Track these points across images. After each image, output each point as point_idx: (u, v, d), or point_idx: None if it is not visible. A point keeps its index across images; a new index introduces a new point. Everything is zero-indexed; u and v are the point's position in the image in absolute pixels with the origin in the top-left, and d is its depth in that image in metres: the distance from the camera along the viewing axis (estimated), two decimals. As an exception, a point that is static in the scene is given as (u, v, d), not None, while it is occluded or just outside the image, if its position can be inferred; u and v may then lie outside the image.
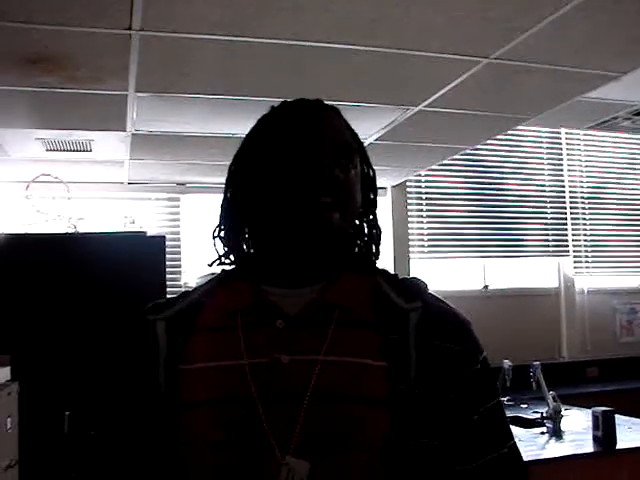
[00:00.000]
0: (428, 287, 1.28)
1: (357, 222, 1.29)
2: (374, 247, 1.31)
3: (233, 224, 1.29)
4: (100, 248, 4.19)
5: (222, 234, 1.29)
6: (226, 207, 1.30)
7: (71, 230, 4.69)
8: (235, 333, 1.17)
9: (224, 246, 1.29)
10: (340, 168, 1.19)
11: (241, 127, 4.22)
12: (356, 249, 1.31)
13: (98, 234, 4.41)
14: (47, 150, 4.33)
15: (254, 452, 1.09)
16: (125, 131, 3.96)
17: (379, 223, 1.32)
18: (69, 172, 4.84)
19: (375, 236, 1.31)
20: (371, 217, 1.32)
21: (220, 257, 1.30)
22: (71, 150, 4.34)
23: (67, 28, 2.57)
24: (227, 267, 1.31)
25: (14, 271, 4.04)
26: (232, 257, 1.29)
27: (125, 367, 1.28)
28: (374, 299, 1.21)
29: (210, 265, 1.31)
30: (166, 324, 1.24)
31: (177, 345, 1.21)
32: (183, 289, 5.46)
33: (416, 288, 1.25)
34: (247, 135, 1.31)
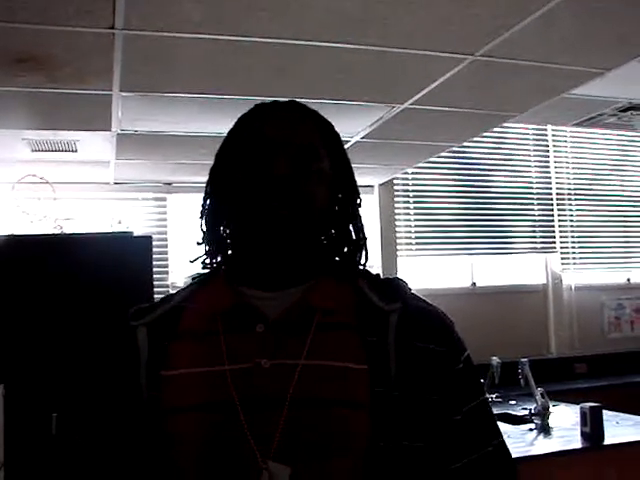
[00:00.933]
0: (409, 287, 1.28)
1: (335, 224, 1.28)
2: (357, 250, 1.29)
3: (211, 225, 1.29)
4: (87, 249, 4.17)
5: (203, 234, 1.30)
6: (205, 207, 1.31)
7: (57, 231, 4.67)
8: (216, 338, 1.17)
9: (205, 246, 1.29)
10: (294, 171, 1.18)
11: (227, 126, 4.20)
12: (340, 252, 1.29)
13: (84, 235, 4.39)
14: (33, 151, 4.30)
15: (236, 457, 1.09)
16: (110, 131, 3.94)
17: (361, 224, 1.31)
18: (55, 173, 4.82)
19: (358, 238, 1.30)
20: (351, 218, 1.30)
21: (201, 257, 1.30)
22: (57, 150, 4.32)
23: (50, 27, 2.55)
24: (207, 269, 1.31)
25: (-1, 272, 4.02)
26: (212, 258, 1.29)
27: (108, 373, 1.30)
28: (355, 302, 1.21)
29: (192, 262, 1.31)
30: (147, 329, 1.24)
31: (158, 351, 1.21)
32: (170, 289, 5.46)
33: (396, 289, 1.25)
34: (225, 137, 1.32)
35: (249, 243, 1.21)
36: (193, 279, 1.32)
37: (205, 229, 1.29)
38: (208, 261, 1.29)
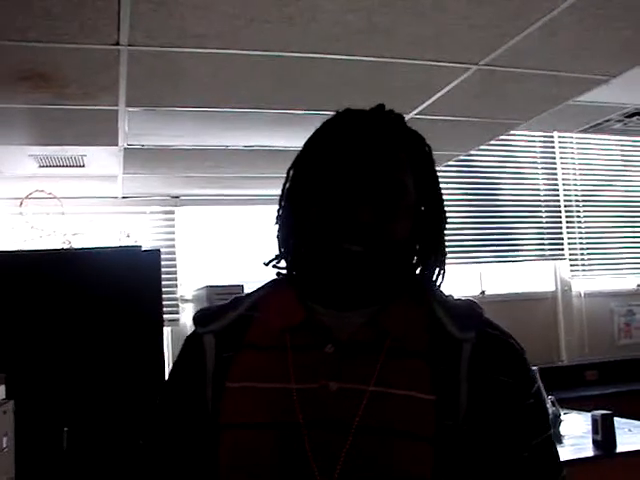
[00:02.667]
0: (482, 310, 1.22)
1: (416, 252, 1.23)
2: (434, 272, 1.24)
3: (285, 238, 1.26)
4: (95, 263, 4.18)
5: (278, 239, 1.26)
6: (281, 217, 1.27)
7: (66, 246, 4.69)
8: (284, 354, 1.15)
9: (280, 249, 1.26)
10: (379, 217, 1.13)
11: (233, 139, 4.25)
12: (417, 273, 1.24)
13: (93, 249, 4.40)
14: (40, 166, 4.32)
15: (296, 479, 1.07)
16: (117, 146, 3.96)
17: (443, 247, 1.25)
18: (63, 188, 4.84)
19: (437, 260, 1.24)
20: (433, 246, 1.24)
21: (275, 258, 1.26)
22: (64, 166, 4.34)
23: (56, 45, 2.57)
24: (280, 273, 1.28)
25: (8, 288, 4.03)
26: (285, 263, 1.26)
27: (174, 381, 1.27)
28: (427, 327, 1.16)
29: (266, 264, 1.27)
30: (215, 337, 1.22)
31: (225, 361, 1.19)
32: (179, 302, 5.46)
33: (471, 315, 1.20)
34: (309, 143, 1.27)
35: (323, 271, 1.17)
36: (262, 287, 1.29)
37: (279, 239, 1.26)
38: (280, 264, 1.26)
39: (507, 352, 1.17)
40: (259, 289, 1.28)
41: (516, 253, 6.56)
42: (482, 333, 1.16)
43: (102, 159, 4.26)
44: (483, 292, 6.39)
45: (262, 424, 1.10)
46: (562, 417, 4.35)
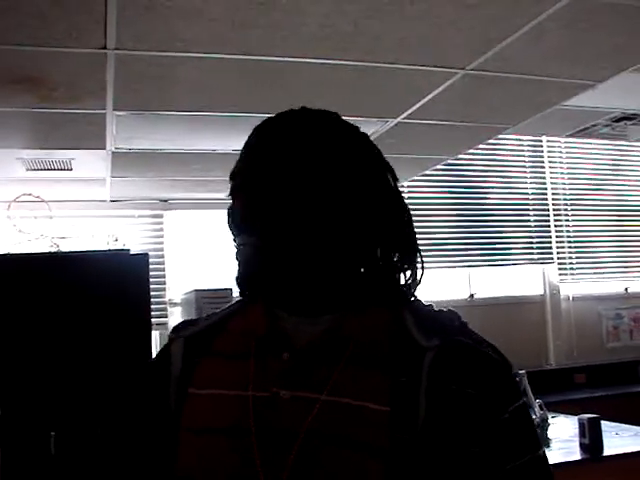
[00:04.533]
0: (462, 321, 1.16)
1: (375, 249, 1.17)
2: (405, 276, 1.18)
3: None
4: (83, 267, 4.17)
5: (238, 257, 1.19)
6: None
7: (54, 249, 4.66)
8: (246, 362, 1.13)
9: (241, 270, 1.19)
10: (310, 207, 1.10)
11: (222, 143, 4.24)
12: (388, 277, 1.18)
13: (81, 253, 4.38)
14: (28, 170, 4.31)
15: None
16: (105, 149, 3.95)
17: (410, 245, 1.20)
18: (50, 191, 4.83)
19: (408, 263, 1.18)
20: (394, 241, 1.18)
21: (237, 279, 1.20)
22: (52, 169, 4.33)
23: (43, 49, 2.56)
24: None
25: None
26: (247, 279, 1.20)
27: (140, 384, 1.27)
28: (393, 335, 1.10)
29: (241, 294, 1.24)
30: (184, 343, 1.23)
31: (190, 367, 1.19)
32: (168, 306, 5.45)
33: (441, 323, 1.13)
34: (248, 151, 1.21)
35: (274, 277, 1.14)
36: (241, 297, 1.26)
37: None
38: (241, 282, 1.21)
39: (478, 362, 1.08)
40: (235, 303, 1.27)
41: (505, 257, 6.59)
42: (449, 341, 1.08)
43: (90, 162, 4.25)
44: (472, 295, 6.41)
45: (217, 430, 1.09)
46: (550, 421, 4.37)
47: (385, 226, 1.17)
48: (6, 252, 4.47)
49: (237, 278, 1.17)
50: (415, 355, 1.06)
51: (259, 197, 1.12)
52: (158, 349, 1.31)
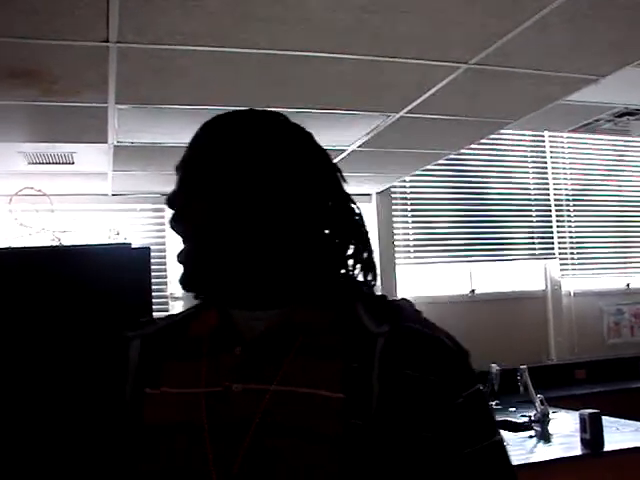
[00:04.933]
0: (415, 310, 1.16)
1: (323, 239, 1.17)
2: (357, 268, 1.18)
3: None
4: (84, 261, 4.16)
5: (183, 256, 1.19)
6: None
7: (55, 243, 4.66)
8: (200, 359, 1.14)
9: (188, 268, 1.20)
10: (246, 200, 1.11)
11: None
12: (339, 269, 1.18)
13: (82, 246, 4.38)
14: (29, 163, 4.30)
15: None
16: (107, 143, 3.94)
17: (359, 235, 1.21)
18: (52, 185, 4.82)
19: (357, 254, 1.19)
20: (338, 231, 1.19)
21: (184, 281, 1.19)
22: (53, 163, 4.32)
23: (44, 42, 2.56)
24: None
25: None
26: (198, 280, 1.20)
27: (96, 382, 1.28)
28: (344, 325, 1.10)
29: (196, 298, 1.24)
30: (141, 343, 1.23)
31: (147, 367, 1.19)
32: (170, 300, 5.46)
33: (391, 310, 1.13)
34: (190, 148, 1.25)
35: (220, 272, 1.14)
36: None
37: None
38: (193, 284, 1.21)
39: (430, 347, 1.08)
40: (193, 306, 1.26)
41: (506, 252, 6.58)
42: (400, 327, 1.08)
43: (92, 156, 4.25)
44: (473, 291, 6.40)
45: (171, 428, 1.10)
46: (551, 416, 4.37)
47: (335, 222, 1.18)
48: (7, 246, 4.47)
49: (180, 279, 1.17)
50: (366, 341, 1.06)
51: (201, 193, 1.14)
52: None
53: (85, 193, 5.26)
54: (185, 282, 1.17)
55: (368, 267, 1.19)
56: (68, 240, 4.72)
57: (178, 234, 1.18)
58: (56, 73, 2.87)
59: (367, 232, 1.23)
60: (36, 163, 4.30)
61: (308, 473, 0.99)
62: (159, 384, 1.15)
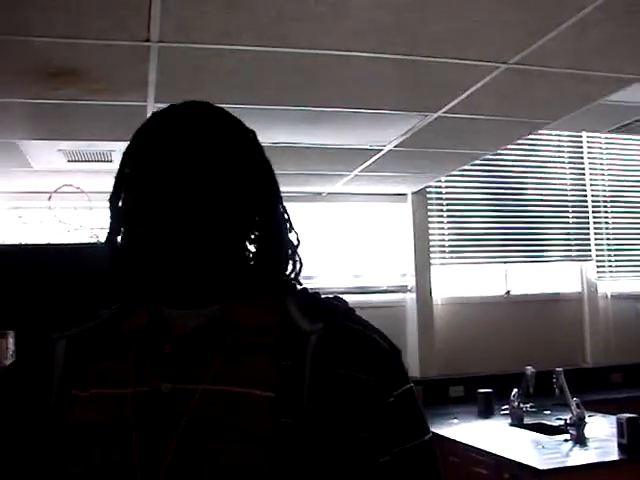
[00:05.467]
0: (348, 307, 1.15)
1: (252, 233, 1.16)
2: (281, 261, 1.17)
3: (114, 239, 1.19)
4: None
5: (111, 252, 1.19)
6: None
7: (93, 240, 4.72)
8: (129, 359, 1.10)
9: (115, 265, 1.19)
10: (193, 186, 1.08)
11: (261, 135, 4.23)
12: (267, 265, 1.16)
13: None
14: (69, 161, 4.36)
15: None
16: (145, 141, 3.97)
17: (284, 229, 1.18)
18: (90, 182, 4.87)
19: (282, 247, 1.17)
20: (268, 224, 1.17)
21: (115, 278, 1.19)
22: (92, 160, 4.38)
23: (86, 41, 2.60)
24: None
25: (36, 280, 4.07)
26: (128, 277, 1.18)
27: (14, 384, 1.19)
28: (277, 323, 1.09)
29: (121, 291, 1.21)
30: (67, 343, 1.17)
31: (73, 368, 1.14)
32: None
33: (324, 308, 1.12)
34: (124, 152, 1.21)
35: (156, 265, 1.10)
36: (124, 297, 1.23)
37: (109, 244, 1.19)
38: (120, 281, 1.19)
39: (362, 346, 1.07)
40: (121, 304, 1.22)
41: (542, 253, 6.52)
42: (333, 325, 1.07)
43: (130, 154, 4.29)
44: (508, 292, 6.35)
45: (98, 429, 1.06)
46: (587, 419, 4.32)
47: (266, 217, 1.16)
48: (46, 242, 4.54)
49: (112, 277, 1.17)
50: (298, 339, 1.05)
51: (139, 187, 1.11)
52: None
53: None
54: (118, 279, 1.17)
55: (295, 263, 1.18)
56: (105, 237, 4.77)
57: (115, 228, 1.17)
58: (97, 72, 2.91)
59: (294, 229, 1.20)
60: (75, 161, 4.36)
61: (237, 474, 0.98)
62: (87, 386, 1.11)
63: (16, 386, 1.19)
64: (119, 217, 1.17)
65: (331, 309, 1.12)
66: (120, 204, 1.16)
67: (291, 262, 1.17)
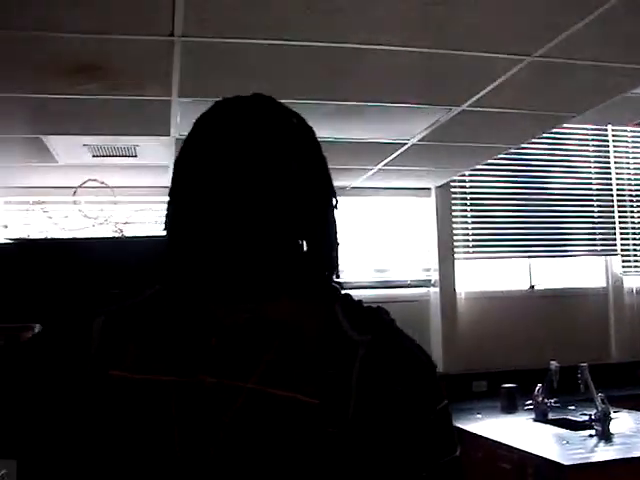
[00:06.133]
0: (391, 319, 1.15)
1: (305, 234, 1.15)
2: (328, 264, 1.17)
3: (173, 231, 1.18)
4: (146, 252, 4.22)
5: (168, 241, 1.18)
6: (169, 217, 1.19)
7: (117, 234, 4.75)
8: (171, 345, 1.09)
9: (170, 254, 1.18)
10: (260, 183, 1.08)
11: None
12: (315, 267, 1.17)
13: (144, 238, 4.45)
14: (94, 156, 4.39)
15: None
16: (169, 136, 3.99)
17: (333, 232, 1.18)
18: (115, 177, 4.90)
19: (327, 251, 1.17)
20: (321, 227, 1.17)
21: (167, 265, 1.18)
22: (117, 155, 4.40)
23: (111, 36, 2.61)
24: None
25: (60, 275, 4.10)
26: (178, 266, 1.18)
27: (55, 362, 1.16)
28: (324, 327, 1.09)
29: (166, 275, 1.20)
30: (105, 320, 1.16)
31: (111, 346, 1.12)
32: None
33: (373, 318, 1.12)
34: (185, 140, 1.20)
35: (213, 254, 1.10)
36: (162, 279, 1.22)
37: (170, 236, 1.17)
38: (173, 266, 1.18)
39: (409, 361, 1.09)
40: (161, 285, 1.22)
41: (567, 247, 6.47)
42: (381, 337, 1.08)
43: (154, 149, 4.31)
44: (532, 287, 6.31)
45: (136, 415, 1.05)
46: (612, 415, 4.29)
47: (320, 218, 1.16)
48: (71, 237, 4.57)
49: (169, 262, 1.16)
50: (346, 349, 1.06)
51: (202, 181, 1.10)
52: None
53: (147, 186, 5.34)
54: (172, 269, 1.16)
55: (337, 267, 1.18)
56: (130, 232, 4.81)
57: (173, 222, 1.16)
58: (121, 67, 2.92)
59: (334, 225, 1.20)
60: (100, 156, 4.38)
61: (279, 477, 0.98)
62: (125, 366, 1.09)
63: (49, 361, 1.16)
64: (178, 207, 1.16)
65: (378, 321, 1.12)
66: (180, 195, 1.15)
67: (334, 265, 1.18)
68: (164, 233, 1.18)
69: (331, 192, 1.19)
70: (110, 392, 1.08)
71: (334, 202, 1.19)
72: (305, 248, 1.16)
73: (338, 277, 1.19)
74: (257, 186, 1.07)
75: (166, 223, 1.18)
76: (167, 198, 1.19)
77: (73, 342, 1.15)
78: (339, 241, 1.18)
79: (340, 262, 1.18)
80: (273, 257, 1.10)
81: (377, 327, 1.10)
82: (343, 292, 1.18)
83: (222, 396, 1.03)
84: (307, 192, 1.13)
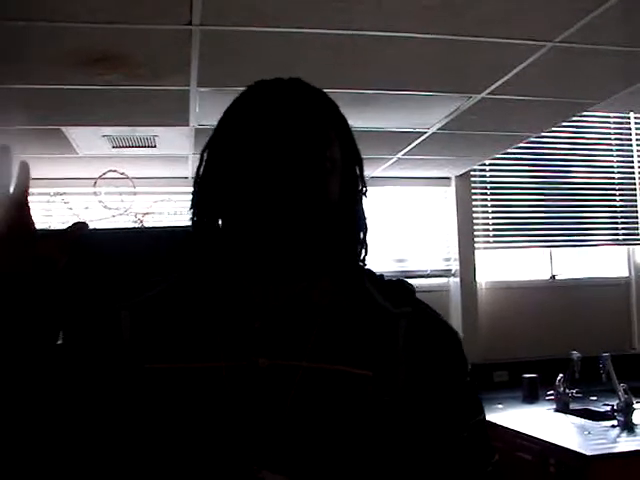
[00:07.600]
0: (415, 291, 1.20)
1: (341, 218, 1.16)
2: (358, 246, 1.20)
3: (206, 211, 1.18)
4: (166, 242, 4.24)
5: (196, 222, 1.18)
6: (198, 201, 1.20)
7: (137, 225, 4.77)
8: (212, 332, 1.09)
9: (198, 234, 1.18)
10: (306, 160, 1.09)
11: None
12: (347, 248, 1.19)
13: (164, 228, 4.45)
14: (113, 147, 4.40)
15: (228, 464, 1.01)
16: (188, 126, 4.00)
17: (365, 217, 1.21)
18: (135, 168, 4.92)
19: (359, 234, 1.20)
20: (354, 212, 1.19)
21: (197, 246, 1.18)
22: (136, 146, 4.41)
23: (129, 26, 2.61)
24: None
25: (80, 266, 4.12)
26: (210, 246, 1.17)
27: (88, 361, 1.12)
28: (360, 302, 1.13)
29: (193, 252, 1.20)
30: (132, 313, 1.13)
31: (145, 339, 1.10)
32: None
33: (406, 292, 1.18)
34: (221, 119, 1.23)
35: (253, 235, 1.10)
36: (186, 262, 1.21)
37: (196, 221, 1.18)
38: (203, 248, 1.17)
39: (443, 330, 1.17)
40: (186, 266, 1.21)
41: (588, 237, 6.41)
42: (418, 310, 1.15)
43: (173, 140, 4.32)
44: (553, 276, 6.27)
45: (190, 405, 1.04)
46: (635, 406, 4.25)
47: (350, 202, 1.19)
48: (92, 227, 4.59)
49: (197, 248, 1.17)
50: (387, 321, 1.10)
51: (240, 165, 1.12)
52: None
53: (167, 176, 5.35)
54: (200, 254, 1.17)
55: (367, 250, 1.22)
56: (150, 222, 4.82)
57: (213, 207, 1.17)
58: (140, 57, 2.92)
59: (364, 210, 1.23)
60: (120, 147, 4.40)
61: (343, 449, 1.02)
62: (165, 358, 1.08)
63: (85, 365, 1.12)
64: (211, 190, 1.18)
65: (411, 293, 1.18)
66: (214, 178, 1.18)
67: (361, 246, 1.21)
68: (191, 217, 1.19)
69: (362, 177, 1.22)
70: (151, 386, 1.07)
71: (365, 189, 1.22)
72: (339, 231, 1.18)
73: (365, 254, 1.22)
74: (299, 169, 1.08)
75: (195, 207, 1.19)
76: (190, 187, 1.22)
77: (104, 341, 1.12)
78: (367, 225, 1.22)
79: (367, 244, 1.22)
80: (312, 238, 1.11)
81: (410, 300, 1.16)
82: (366, 268, 1.22)
83: (279, 376, 1.05)
84: (345, 177, 1.17)
